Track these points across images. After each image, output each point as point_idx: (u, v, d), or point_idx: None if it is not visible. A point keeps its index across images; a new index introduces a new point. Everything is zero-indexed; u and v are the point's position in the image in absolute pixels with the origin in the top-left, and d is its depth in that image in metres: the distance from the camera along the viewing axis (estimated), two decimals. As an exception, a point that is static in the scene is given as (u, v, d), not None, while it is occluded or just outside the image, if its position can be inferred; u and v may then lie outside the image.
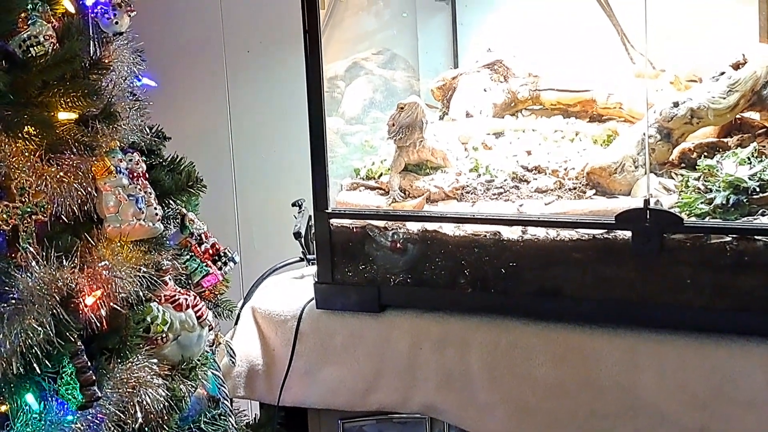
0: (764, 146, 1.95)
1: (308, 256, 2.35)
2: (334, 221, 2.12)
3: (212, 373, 2.07)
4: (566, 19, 2.47)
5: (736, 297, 1.80)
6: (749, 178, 1.83)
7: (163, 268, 1.88)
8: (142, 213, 1.79)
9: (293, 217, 2.35)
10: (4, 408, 1.59)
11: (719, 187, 1.85)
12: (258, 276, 2.39)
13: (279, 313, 2.22)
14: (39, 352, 1.54)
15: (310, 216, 2.27)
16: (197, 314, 1.94)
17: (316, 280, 2.17)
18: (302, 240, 2.33)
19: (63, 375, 1.61)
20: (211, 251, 2.11)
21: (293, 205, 2.37)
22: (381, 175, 2.26)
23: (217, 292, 2.16)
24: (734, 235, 1.78)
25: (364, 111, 2.45)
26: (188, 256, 2.06)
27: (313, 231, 2.22)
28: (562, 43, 2.47)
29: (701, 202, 1.86)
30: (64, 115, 1.66)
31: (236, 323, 2.29)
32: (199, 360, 1.97)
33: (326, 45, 2.09)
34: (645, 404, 1.87)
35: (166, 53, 2.85)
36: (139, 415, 1.72)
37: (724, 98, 1.99)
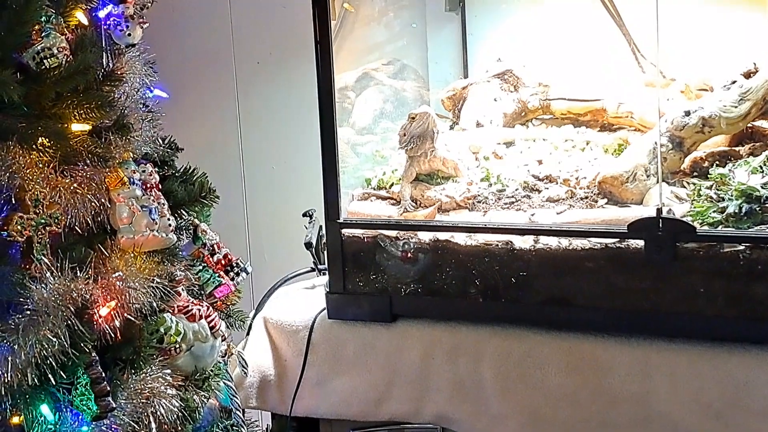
0: (776, 155, 1.95)
1: (319, 266, 2.35)
2: (346, 231, 2.12)
3: (225, 383, 2.07)
4: (576, 28, 2.47)
5: (749, 306, 1.80)
6: (762, 187, 1.83)
7: (176, 278, 1.88)
8: (156, 224, 1.79)
9: (304, 227, 2.35)
10: (19, 419, 1.59)
11: (731, 195, 1.85)
12: (269, 286, 2.39)
13: (291, 324, 2.22)
14: (54, 363, 1.54)
15: (321, 226, 2.27)
16: (210, 325, 1.94)
17: (328, 290, 2.17)
18: (313, 250, 2.33)
19: (78, 386, 1.61)
20: (223, 262, 2.11)
21: (304, 215, 2.37)
22: (392, 185, 2.26)
23: (229, 303, 2.16)
24: (747, 244, 1.78)
25: (374, 121, 2.45)
26: (201, 267, 2.06)
27: (324, 241, 2.22)
28: (572, 52, 2.48)
29: (714, 211, 1.86)
30: (77, 127, 1.67)
31: (248, 334, 2.30)
32: (212, 371, 1.97)
33: (336, 55, 2.09)
34: (658, 414, 1.87)
35: (177, 64, 2.86)
36: (153, 425, 1.72)
37: (736, 107, 1.99)
